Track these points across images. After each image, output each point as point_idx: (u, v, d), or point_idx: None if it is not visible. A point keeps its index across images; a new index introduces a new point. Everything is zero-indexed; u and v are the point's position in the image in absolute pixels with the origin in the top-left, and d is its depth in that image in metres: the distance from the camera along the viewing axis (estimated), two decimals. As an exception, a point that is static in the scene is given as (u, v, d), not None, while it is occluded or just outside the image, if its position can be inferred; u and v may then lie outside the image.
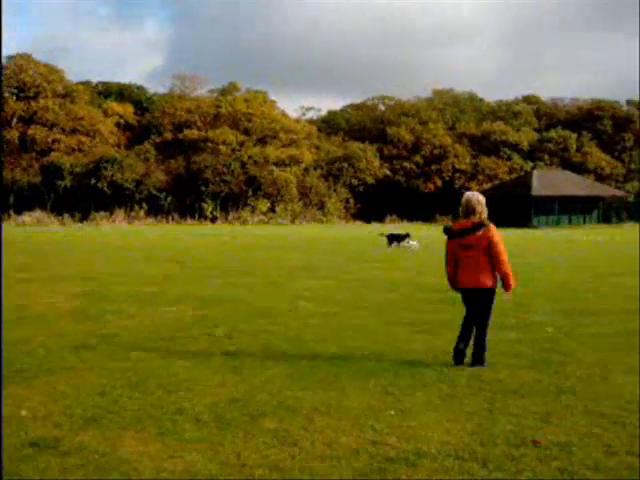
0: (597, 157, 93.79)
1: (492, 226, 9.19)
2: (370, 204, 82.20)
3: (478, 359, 9.26)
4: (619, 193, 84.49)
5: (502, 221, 68.97)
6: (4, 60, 74.89)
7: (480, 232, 9.12)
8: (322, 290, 17.51)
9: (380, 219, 78.71)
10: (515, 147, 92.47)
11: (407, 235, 33.18)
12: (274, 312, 13.83)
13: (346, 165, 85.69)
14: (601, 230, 63.20)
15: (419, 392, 7.98)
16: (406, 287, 18.10)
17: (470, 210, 9.24)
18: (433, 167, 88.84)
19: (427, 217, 79.67)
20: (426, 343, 10.82)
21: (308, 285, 18.50)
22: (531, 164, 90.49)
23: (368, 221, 77.52)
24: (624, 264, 25.72)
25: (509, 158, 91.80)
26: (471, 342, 9.42)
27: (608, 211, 78.63)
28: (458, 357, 9.32)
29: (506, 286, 9.26)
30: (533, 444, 6.31)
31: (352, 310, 14.22)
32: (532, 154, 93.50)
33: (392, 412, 7.24)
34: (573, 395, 7.90)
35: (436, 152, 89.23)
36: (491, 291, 9.27)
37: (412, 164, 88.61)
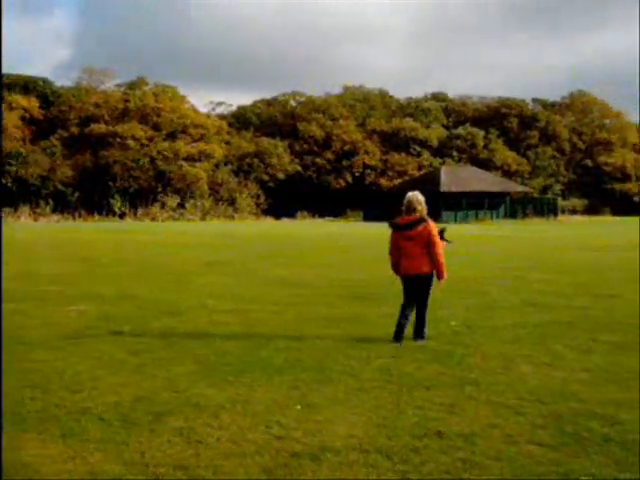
0: (504, 154, 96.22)
1: (431, 222, 10.56)
2: (281, 200, 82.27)
3: (419, 334, 10.63)
4: (525, 189, 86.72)
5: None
6: None
7: (421, 227, 10.48)
8: (232, 287, 17.41)
9: (291, 215, 78.83)
10: (424, 144, 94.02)
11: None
12: (181, 309, 13.68)
13: (257, 161, 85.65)
14: (508, 225, 64.73)
15: (326, 387, 8.01)
16: (318, 283, 18.14)
17: (412, 208, 10.59)
18: (344, 163, 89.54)
19: (338, 213, 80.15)
20: (335, 338, 10.86)
21: (217, 281, 18.37)
22: (440, 160, 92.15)
23: (279, 217, 77.51)
24: (529, 258, 26.41)
25: (418, 154, 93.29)
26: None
27: (514, 206, 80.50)
28: (398, 334, 10.53)
29: (439, 275, 10.58)
30: (437, 435, 6.41)
31: (262, 306, 14.17)
32: (441, 150, 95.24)
33: (299, 407, 7.24)
34: (476, 386, 8.06)
35: (347, 148, 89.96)
36: (429, 276, 10.64)
37: (323, 160, 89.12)
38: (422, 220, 10.52)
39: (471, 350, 10.04)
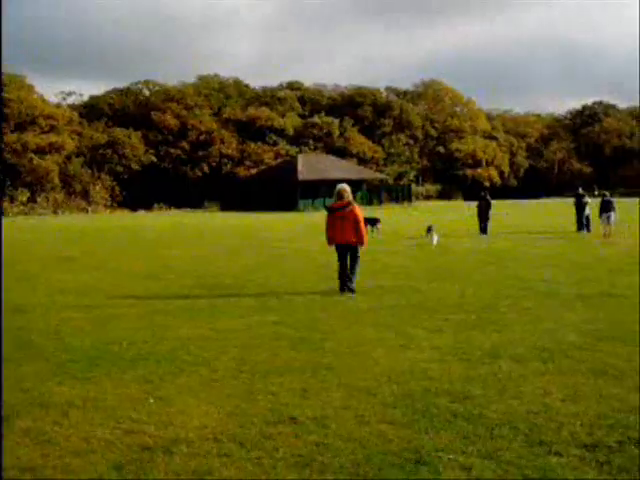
0: (359, 142, 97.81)
1: (355, 206, 14.45)
2: (137, 192, 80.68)
3: (350, 287, 14.18)
4: (380, 176, 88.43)
5: (269, 205, 70.01)
6: None
7: (348, 209, 14.31)
8: (83, 282, 16.94)
9: (148, 207, 77.45)
10: (280, 132, 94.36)
11: (377, 220, 30.05)
12: (30, 307, 13.16)
13: (110, 152, 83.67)
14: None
15: (179, 378, 7.90)
16: (172, 275, 17.90)
17: (340, 195, 14.44)
18: (200, 153, 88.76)
19: (195, 204, 79.33)
20: (188, 329, 10.75)
21: (69, 277, 17.82)
22: (296, 149, 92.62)
23: (135, 209, 75.98)
24: (380, 242, 26.96)
25: (275, 143, 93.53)
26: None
27: (370, 193, 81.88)
28: (342, 287, 14.22)
29: (361, 242, 14.38)
30: (290, 421, 6.43)
31: (114, 300, 13.85)
32: (297, 139, 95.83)
33: (151, 400, 7.11)
34: (330, 371, 8.14)
35: (202, 138, 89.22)
36: (356, 246, 14.38)
37: (178, 150, 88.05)
38: (349, 204, 14.35)
39: (326, 335, 10.14)
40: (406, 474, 5.25)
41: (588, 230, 29.97)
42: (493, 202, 31.85)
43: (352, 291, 14.00)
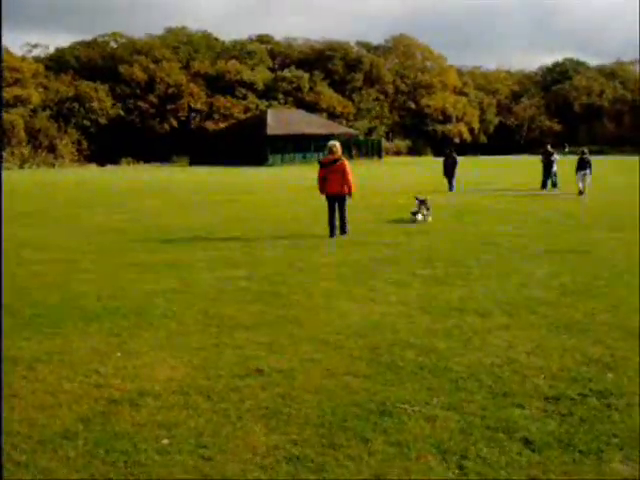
0: (329, 96, 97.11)
1: (345, 160, 16.29)
2: (104, 146, 79.68)
3: (343, 231, 16.08)
4: (350, 131, 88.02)
5: (238, 160, 69.53)
6: None
7: (339, 163, 16.13)
8: (50, 237, 16.81)
9: (115, 161, 76.63)
10: (250, 86, 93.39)
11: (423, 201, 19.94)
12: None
13: (77, 105, 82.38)
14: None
15: (146, 332, 7.90)
16: (137, 229, 17.80)
17: (332, 151, 16.30)
18: (168, 107, 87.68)
19: (164, 158, 78.57)
20: (155, 283, 10.73)
21: (35, 232, 17.66)
22: (266, 103, 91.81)
23: (103, 164, 75.13)
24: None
25: (244, 97, 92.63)
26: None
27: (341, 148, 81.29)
28: (332, 232, 16.03)
29: (350, 192, 16.14)
30: (257, 373, 6.46)
31: (80, 255, 13.76)
32: (267, 93, 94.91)
33: (118, 354, 7.11)
34: (297, 324, 8.18)
35: (171, 91, 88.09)
36: (345, 195, 16.14)
37: (146, 104, 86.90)
38: (339, 159, 16.19)
39: (294, 289, 10.17)
40: (371, 425, 5.32)
41: (554, 186, 30.07)
42: (460, 159, 31.66)
43: (346, 232, 16.05)
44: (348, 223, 16.22)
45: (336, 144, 16.49)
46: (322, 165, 16.48)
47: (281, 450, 4.93)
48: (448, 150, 32.15)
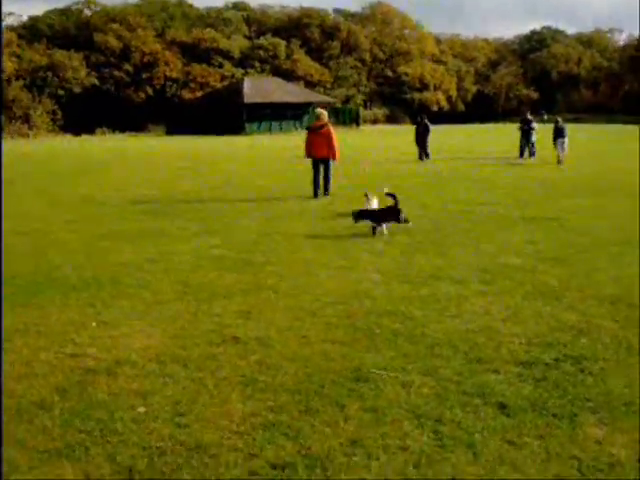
0: (306, 64, 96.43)
1: (330, 126, 17.59)
2: (79, 116, 78.74)
3: (326, 189, 17.49)
4: (327, 99, 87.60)
5: (215, 128, 69.07)
6: None
7: (324, 129, 17.46)
8: (26, 208, 16.66)
9: (91, 131, 75.82)
10: (226, 54, 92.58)
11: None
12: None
13: (51, 74, 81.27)
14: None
15: (122, 301, 7.87)
16: (114, 201, 17.68)
17: (318, 118, 17.81)
18: (143, 75, 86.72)
19: (139, 127, 77.86)
20: (131, 253, 10.67)
21: (11, 203, 17.46)
22: (242, 71, 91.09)
23: (79, 134, 74.34)
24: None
25: (220, 65, 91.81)
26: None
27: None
28: (315, 193, 17.31)
29: (333, 157, 17.42)
30: (233, 341, 6.47)
31: (57, 226, 13.66)
32: (243, 61, 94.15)
33: (94, 324, 7.08)
34: (274, 292, 8.18)
35: (146, 60, 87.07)
36: (328, 158, 17.39)
37: (121, 72, 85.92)
38: (325, 125, 17.53)
39: (270, 258, 10.16)
40: (347, 391, 5.34)
41: (532, 155, 29.94)
42: (432, 127, 30.97)
43: (328, 193, 17.43)
44: (331, 185, 17.51)
45: (322, 111, 18.12)
46: (309, 130, 17.99)
47: (257, 417, 4.94)
48: (419, 118, 31.50)
